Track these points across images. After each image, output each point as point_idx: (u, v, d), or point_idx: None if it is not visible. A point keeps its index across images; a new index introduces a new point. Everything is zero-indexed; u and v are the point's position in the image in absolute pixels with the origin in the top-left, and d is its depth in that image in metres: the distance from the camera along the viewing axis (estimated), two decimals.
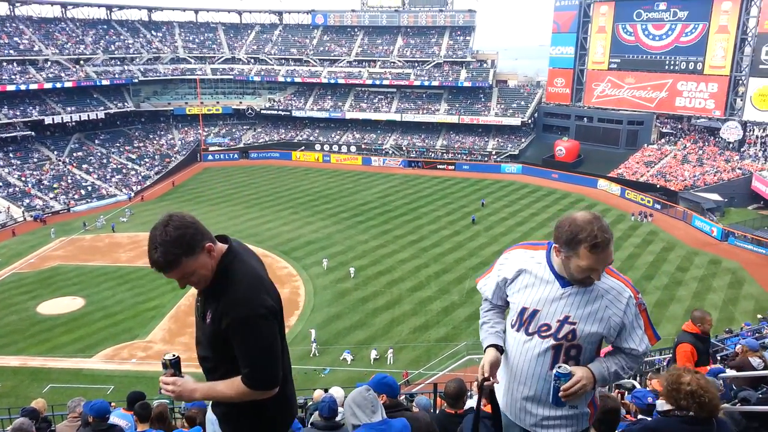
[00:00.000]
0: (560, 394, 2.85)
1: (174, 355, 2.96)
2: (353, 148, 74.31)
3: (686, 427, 3.45)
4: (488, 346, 3.13)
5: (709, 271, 38.64)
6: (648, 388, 6.94)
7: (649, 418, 5.00)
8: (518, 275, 3.10)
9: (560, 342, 2.94)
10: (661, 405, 3.81)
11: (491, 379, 3.03)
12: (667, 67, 62.92)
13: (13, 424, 5.49)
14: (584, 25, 68.80)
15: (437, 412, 6.53)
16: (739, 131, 57.60)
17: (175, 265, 2.73)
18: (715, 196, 50.19)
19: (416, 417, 4.69)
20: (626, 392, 7.46)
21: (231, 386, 2.90)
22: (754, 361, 8.96)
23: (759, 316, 27.90)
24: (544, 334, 2.97)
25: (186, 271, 2.78)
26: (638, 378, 10.23)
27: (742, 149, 57.74)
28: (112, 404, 10.73)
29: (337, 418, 5.56)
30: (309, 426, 6.06)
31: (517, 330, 3.08)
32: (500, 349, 3.12)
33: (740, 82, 58.74)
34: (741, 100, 58.29)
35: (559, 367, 2.87)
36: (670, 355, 16.07)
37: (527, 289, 3.05)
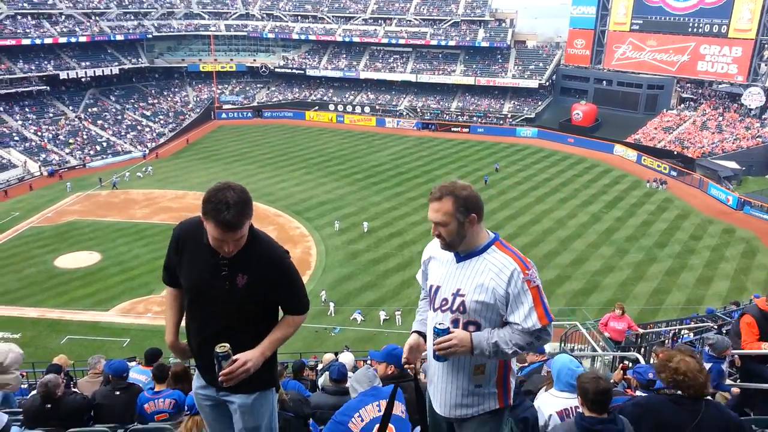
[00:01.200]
0: (433, 347, 3.00)
1: (225, 345, 3.10)
2: (367, 109, 73.71)
3: (673, 406, 3.59)
4: (412, 332, 3.40)
5: (723, 240, 38.42)
6: (651, 363, 7.05)
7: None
8: (430, 260, 3.35)
9: (456, 315, 3.10)
10: (659, 382, 3.94)
11: (410, 362, 3.31)
12: (690, 29, 61.23)
13: (41, 379, 5.79)
14: None
15: None
16: (761, 97, 56.33)
17: (241, 225, 2.95)
18: (733, 164, 49.46)
19: (419, 387, 4.86)
20: (629, 366, 7.60)
21: (286, 326, 3.31)
22: None
23: None
24: (444, 308, 3.15)
25: (243, 233, 3.01)
26: (642, 351, 10.32)
27: (763, 116, 56.55)
28: (136, 359, 11.10)
29: (346, 384, 5.77)
30: (320, 390, 6.27)
31: (431, 310, 3.29)
32: (423, 335, 3.35)
33: (766, 46, 57.12)
34: (765, 65, 56.85)
35: (439, 324, 3.02)
36: (690, 327, 16.04)
37: (434, 270, 3.29)
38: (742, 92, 58.16)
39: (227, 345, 3.05)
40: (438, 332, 2.99)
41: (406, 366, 3.37)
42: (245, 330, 3.18)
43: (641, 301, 30.54)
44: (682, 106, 64.01)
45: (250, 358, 3.09)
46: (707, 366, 4.87)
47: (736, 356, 5.78)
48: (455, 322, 3.08)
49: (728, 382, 6.44)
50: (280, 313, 3.37)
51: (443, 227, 3.00)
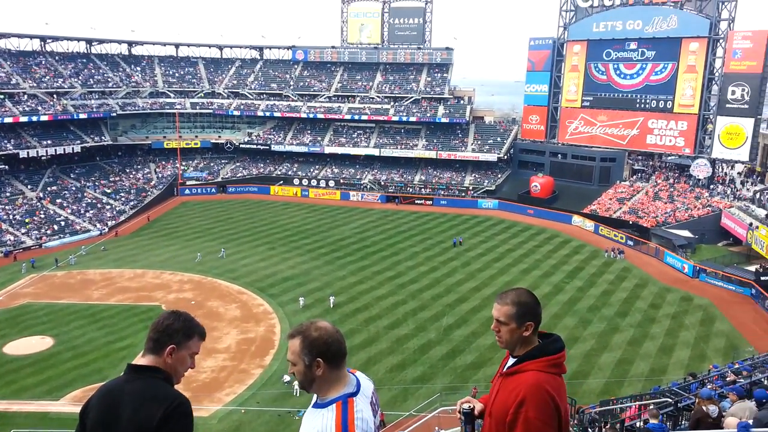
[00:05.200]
0: None
1: None
2: (332, 183, 74.60)
3: None
4: None
5: (681, 308, 39.18)
6: None
7: None
8: None
9: None
10: None
11: None
12: (638, 105, 64.68)
13: None
14: (558, 64, 70.63)
15: None
16: (708, 168, 59.10)
17: None
18: (686, 233, 51.16)
19: None
20: None
21: None
22: (710, 408, 9.06)
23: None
24: None
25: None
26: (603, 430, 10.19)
27: (711, 186, 59.16)
28: None
29: None
30: None
31: None
32: None
33: (708, 120, 60.53)
34: (710, 138, 59.96)
35: None
36: (648, 402, 16.01)
37: None
38: (690, 163, 61.00)
39: None
40: None
41: None
42: None
43: (606, 372, 30.56)
44: (635, 177, 66.63)
45: None
46: None
47: None
48: None
49: None
50: None
51: (294, 366, 2.80)
